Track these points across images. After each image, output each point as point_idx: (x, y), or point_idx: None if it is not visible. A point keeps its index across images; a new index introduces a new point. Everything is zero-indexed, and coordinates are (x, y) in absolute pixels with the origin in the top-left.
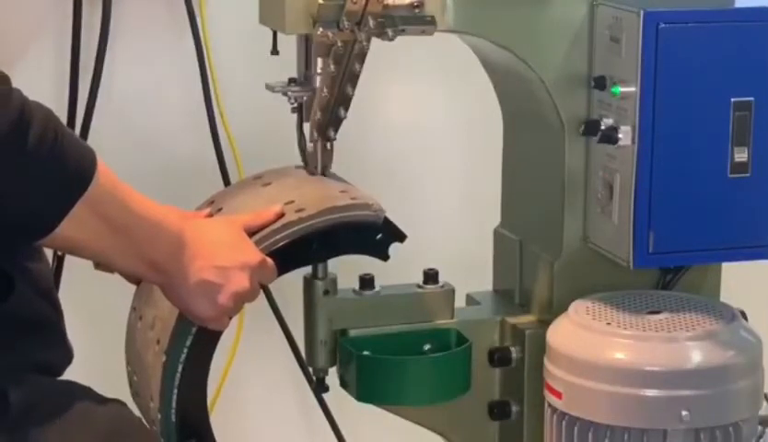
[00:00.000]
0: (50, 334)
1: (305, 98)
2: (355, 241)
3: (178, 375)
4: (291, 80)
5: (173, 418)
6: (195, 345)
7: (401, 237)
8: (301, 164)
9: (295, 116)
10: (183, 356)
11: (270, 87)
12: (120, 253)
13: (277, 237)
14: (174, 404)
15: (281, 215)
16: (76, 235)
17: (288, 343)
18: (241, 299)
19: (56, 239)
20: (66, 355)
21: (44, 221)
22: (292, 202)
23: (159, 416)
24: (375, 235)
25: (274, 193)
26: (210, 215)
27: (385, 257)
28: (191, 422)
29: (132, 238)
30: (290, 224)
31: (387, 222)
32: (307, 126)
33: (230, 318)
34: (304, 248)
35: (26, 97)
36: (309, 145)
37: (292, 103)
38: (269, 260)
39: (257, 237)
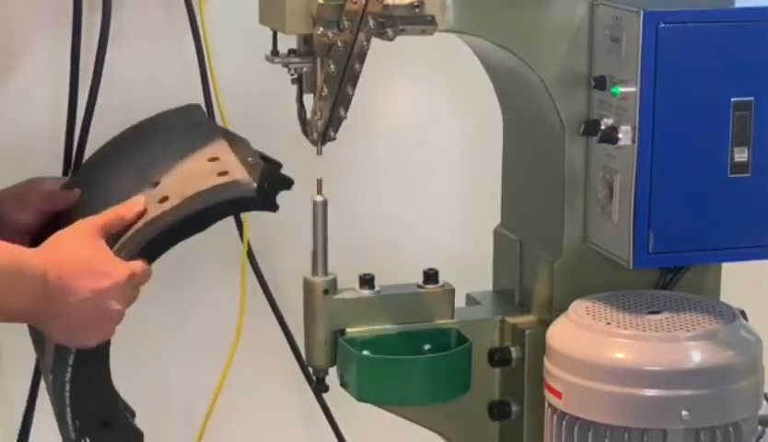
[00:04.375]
0: None
1: (305, 68)
2: (235, 205)
3: (67, 394)
4: (291, 51)
5: (72, 435)
6: (79, 360)
7: (287, 183)
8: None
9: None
10: (68, 376)
11: (270, 59)
12: None
13: (142, 236)
14: (70, 421)
15: (143, 213)
16: None
17: (288, 343)
18: (119, 318)
19: None
20: None
21: None
22: (157, 182)
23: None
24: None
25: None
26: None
27: (273, 208)
28: (100, 419)
29: None
30: (153, 220)
31: (269, 174)
32: (306, 97)
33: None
34: (179, 227)
35: None
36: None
37: (292, 74)
38: (138, 266)
39: (121, 241)
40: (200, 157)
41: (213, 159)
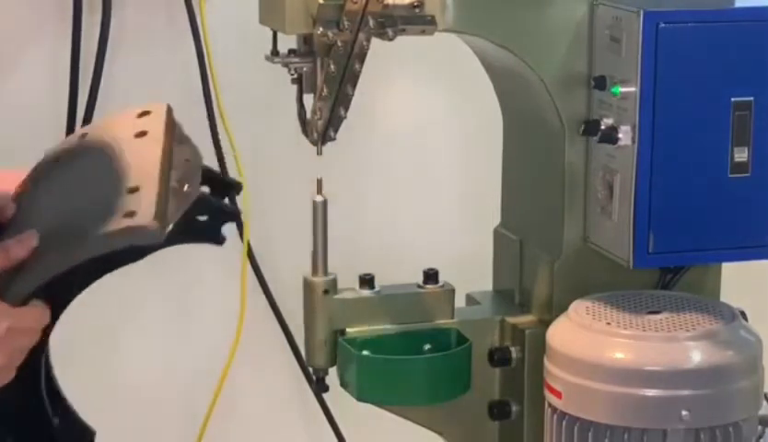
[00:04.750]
0: None
1: (305, 68)
2: (140, 252)
3: None
4: (291, 51)
5: None
6: None
7: (229, 216)
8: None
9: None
10: None
11: (270, 59)
12: None
13: (31, 279)
14: None
15: (36, 250)
16: None
17: (288, 343)
18: (6, 369)
19: None
20: None
21: None
22: (72, 212)
23: None
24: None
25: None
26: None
27: (216, 241)
28: None
29: None
30: (48, 262)
31: (212, 204)
32: (306, 97)
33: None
34: (76, 272)
35: None
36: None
37: (292, 74)
38: (24, 314)
39: (10, 284)
40: (122, 186)
41: (132, 190)
